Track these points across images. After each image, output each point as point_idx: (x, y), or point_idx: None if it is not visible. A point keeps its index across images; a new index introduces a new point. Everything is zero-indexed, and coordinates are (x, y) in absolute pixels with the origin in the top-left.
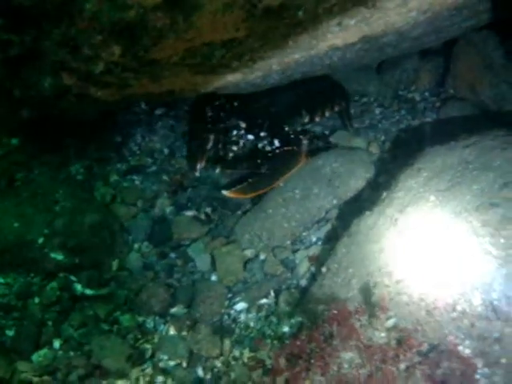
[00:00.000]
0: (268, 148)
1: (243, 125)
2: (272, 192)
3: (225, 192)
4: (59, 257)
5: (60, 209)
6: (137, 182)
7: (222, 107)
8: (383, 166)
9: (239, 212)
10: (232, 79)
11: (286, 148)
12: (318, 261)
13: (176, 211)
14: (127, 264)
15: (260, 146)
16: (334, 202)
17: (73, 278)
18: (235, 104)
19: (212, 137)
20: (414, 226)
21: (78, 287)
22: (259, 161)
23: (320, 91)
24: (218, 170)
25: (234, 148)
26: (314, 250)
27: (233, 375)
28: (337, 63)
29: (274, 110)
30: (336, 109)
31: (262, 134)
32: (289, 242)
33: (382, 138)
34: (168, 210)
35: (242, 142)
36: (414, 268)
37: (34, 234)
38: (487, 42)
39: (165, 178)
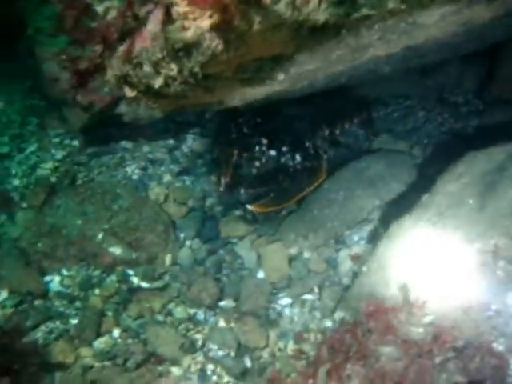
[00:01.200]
0: (290, 163)
1: (265, 141)
2: (316, 193)
3: (249, 206)
4: (118, 251)
5: (118, 207)
6: (188, 183)
7: (246, 123)
8: (424, 169)
9: (284, 212)
10: (279, 88)
11: (307, 163)
12: (360, 260)
13: (224, 210)
14: (179, 259)
15: (282, 161)
16: (377, 203)
17: (130, 271)
18: (258, 120)
19: (236, 152)
20: (451, 230)
21: (135, 280)
22: (281, 176)
23: (339, 104)
24: (242, 191)
25: (257, 164)
26: (356, 249)
27: (278, 365)
28: (380, 69)
29: (296, 125)
30: (355, 121)
31: (284, 149)
32: (332, 241)
33: (425, 141)
34: (217, 209)
35: (264, 159)
36: (451, 269)
37: (94, 229)
38: None
39: (214, 178)
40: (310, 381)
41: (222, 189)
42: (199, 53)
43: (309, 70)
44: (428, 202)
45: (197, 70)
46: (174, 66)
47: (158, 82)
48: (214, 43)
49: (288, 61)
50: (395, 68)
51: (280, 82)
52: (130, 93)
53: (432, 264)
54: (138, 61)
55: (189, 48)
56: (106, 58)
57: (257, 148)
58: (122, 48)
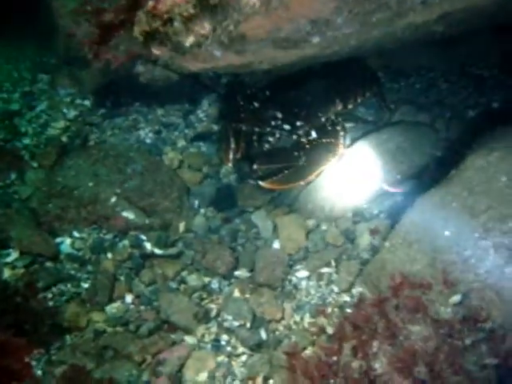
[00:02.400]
0: (304, 139)
1: (280, 115)
2: (335, 165)
3: (261, 183)
4: (131, 216)
5: (131, 170)
6: (203, 149)
7: (255, 96)
8: (449, 143)
9: (302, 183)
10: (310, 52)
11: (324, 140)
12: (380, 234)
13: (240, 179)
14: (193, 227)
15: (296, 137)
16: (398, 176)
17: (143, 236)
18: (267, 93)
19: (245, 127)
20: (484, 207)
21: (148, 246)
22: (296, 153)
23: (351, 77)
24: (255, 167)
25: (271, 139)
26: (376, 223)
27: (294, 339)
28: (408, 37)
29: (308, 99)
30: (367, 94)
31: (299, 124)
32: (350, 214)
33: (448, 114)
34: (232, 177)
35: (278, 133)
36: (482, 247)
37: (107, 192)
38: None
39: (220, 153)
40: (334, 357)
41: (230, 164)
42: (236, 10)
43: (345, 34)
44: (457, 176)
45: (231, 28)
46: (207, 24)
47: (189, 41)
48: (253, 0)
49: (326, 23)
50: (426, 36)
51: (312, 46)
52: (157, 51)
53: (462, 241)
54: (169, 16)
55: (225, 5)
56: (132, 12)
57: (269, 122)
58: (151, 2)
